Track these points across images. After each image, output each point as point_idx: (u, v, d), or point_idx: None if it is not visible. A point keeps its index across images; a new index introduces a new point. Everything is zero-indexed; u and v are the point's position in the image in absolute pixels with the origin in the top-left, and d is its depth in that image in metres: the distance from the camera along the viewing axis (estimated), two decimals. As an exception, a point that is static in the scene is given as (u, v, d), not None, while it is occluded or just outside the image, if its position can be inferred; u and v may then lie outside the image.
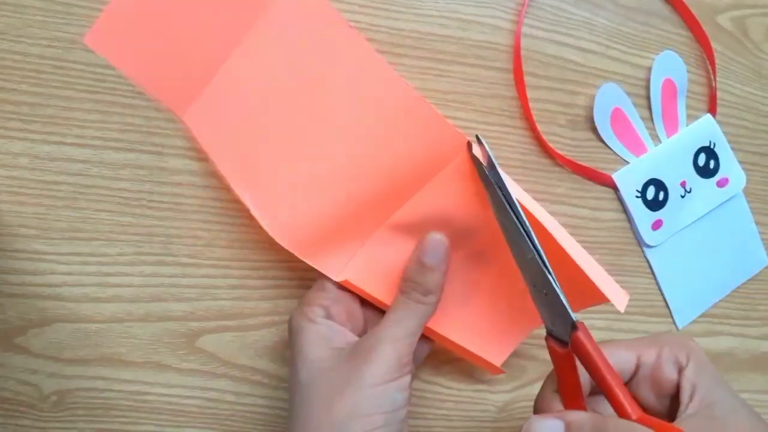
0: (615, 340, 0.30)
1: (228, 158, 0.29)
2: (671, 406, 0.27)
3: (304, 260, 0.30)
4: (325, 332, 0.28)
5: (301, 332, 0.28)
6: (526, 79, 0.37)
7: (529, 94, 0.37)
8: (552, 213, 0.38)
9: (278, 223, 0.30)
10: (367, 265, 0.31)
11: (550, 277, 0.26)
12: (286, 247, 0.30)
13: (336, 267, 0.31)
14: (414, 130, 0.30)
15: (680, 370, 0.27)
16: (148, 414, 0.33)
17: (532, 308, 0.29)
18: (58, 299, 0.32)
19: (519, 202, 0.28)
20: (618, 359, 0.28)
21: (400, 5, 0.35)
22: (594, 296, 0.30)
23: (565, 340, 0.26)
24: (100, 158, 0.32)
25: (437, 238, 0.30)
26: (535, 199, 0.37)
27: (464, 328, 0.33)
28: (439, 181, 0.31)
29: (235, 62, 0.29)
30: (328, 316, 0.29)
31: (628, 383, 0.28)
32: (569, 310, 0.25)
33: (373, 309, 0.31)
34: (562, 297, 0.25)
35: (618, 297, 0.30)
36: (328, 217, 0.30)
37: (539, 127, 0.37)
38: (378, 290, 0.31)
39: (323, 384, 0.27)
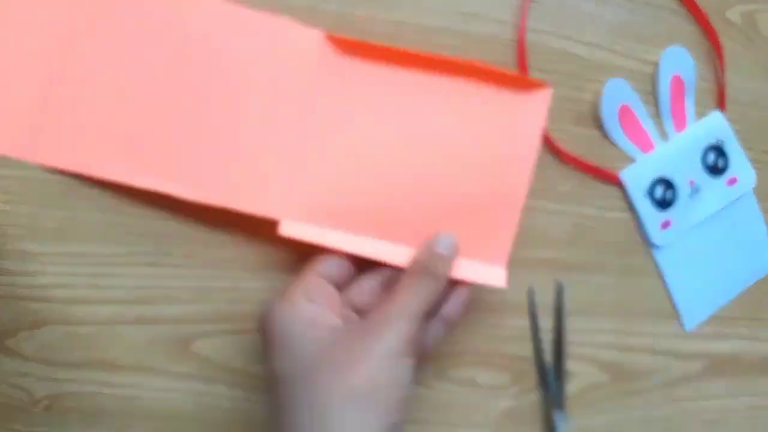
0: None
1: (113, 164, 0.30)
2: None
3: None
4: (310, 314, 0.28)
5: (283, 319, 0.28)
6: (531, 73, 0.36)
7: (534, 89, 0.36)
8: (557, 212, 0.37)
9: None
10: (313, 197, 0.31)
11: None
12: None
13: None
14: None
15: None
16: (141, 419, 0.33)
17: (507, 189, 0.31)
18: (49, 301, 0.32)
19: None
20: None
21: (401, -2, 0.34)
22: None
23: None
24: (92, 156, 0.31)
25: (449, 233, 0.31)
26: (540, 197, 0.36)
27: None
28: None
29: (66, 71, 0.29)
30: (309, 300, 0.29)
31: None
32: None
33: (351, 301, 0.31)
34: None
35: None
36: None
37: (544, 124, 0.36)
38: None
39: (329, 357, 0.27)
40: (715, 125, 0.39)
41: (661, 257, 0.39)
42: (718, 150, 0.39)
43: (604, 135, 0.37)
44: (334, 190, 0.31)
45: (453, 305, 0.32)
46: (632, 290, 0.39)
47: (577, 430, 0.38)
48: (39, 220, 0.31)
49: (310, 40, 0.30)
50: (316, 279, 0.30)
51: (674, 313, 0.40)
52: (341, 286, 0.31)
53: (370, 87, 0.31)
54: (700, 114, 0.39)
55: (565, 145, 0.37)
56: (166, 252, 0.32)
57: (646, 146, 0.38)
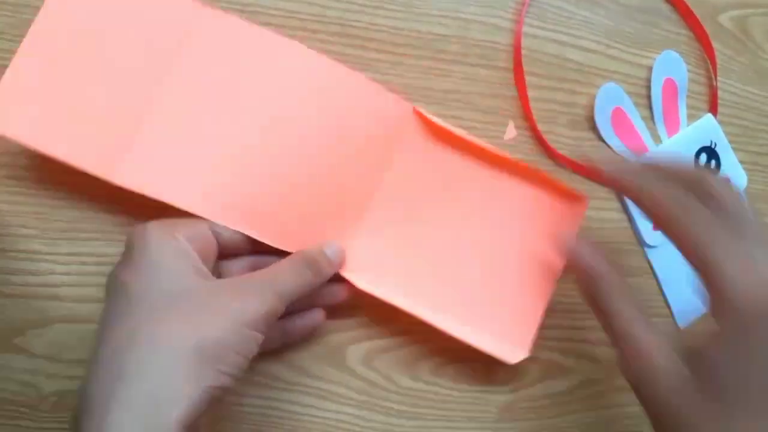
0: None
1: (183, 193, 0.30)
2: None
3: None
4: (187, 249, 0.28)
5: (159, 244, 0.27)
6: (527, 78, 0.37)
7: (530, 93, 0.37)
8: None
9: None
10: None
11: None
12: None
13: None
14: (352, 104, 0.33)
15: None
16: (148, 415, 0.33)
17: (543, 272, 0.34)
18: (58, 299, 0.32)
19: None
20: None
21: (401, 4, 0.35)
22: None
23: None
24: (100, 158, 0.32)
25: (339, 245, 0.32)
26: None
27: (471, 320, 0.34)
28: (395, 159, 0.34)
29: (160, 104, 0.30)
30: (189, 241, 0.28)
31: None
32: None
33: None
34: None
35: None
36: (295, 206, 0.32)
37: (540, 127, 0.37)
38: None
39: (185, 302, 0.26)
40: (707, 128, 0.40)
41: (654, 257, 0.40)
42: (710, 152, 0.40)
43: (599, 138, 0.38)
44: (394, 248, 0.34)
45: (304, 322, 0.33)
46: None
47: (575, 426, 0.39)
48: (49, 220, 0.32)
49: (401, 109, 0.34)
50: (207, 230, 0.30)
51: (667, 312, 0.40)
52: (223, 254, 0.30)
53: (439, 164, 0.34)
54: (693, 117, 0.40)
55: (561, 148, 0.38)
56: (172, 252, 0.33)
57: (639, 149, 0.39)
